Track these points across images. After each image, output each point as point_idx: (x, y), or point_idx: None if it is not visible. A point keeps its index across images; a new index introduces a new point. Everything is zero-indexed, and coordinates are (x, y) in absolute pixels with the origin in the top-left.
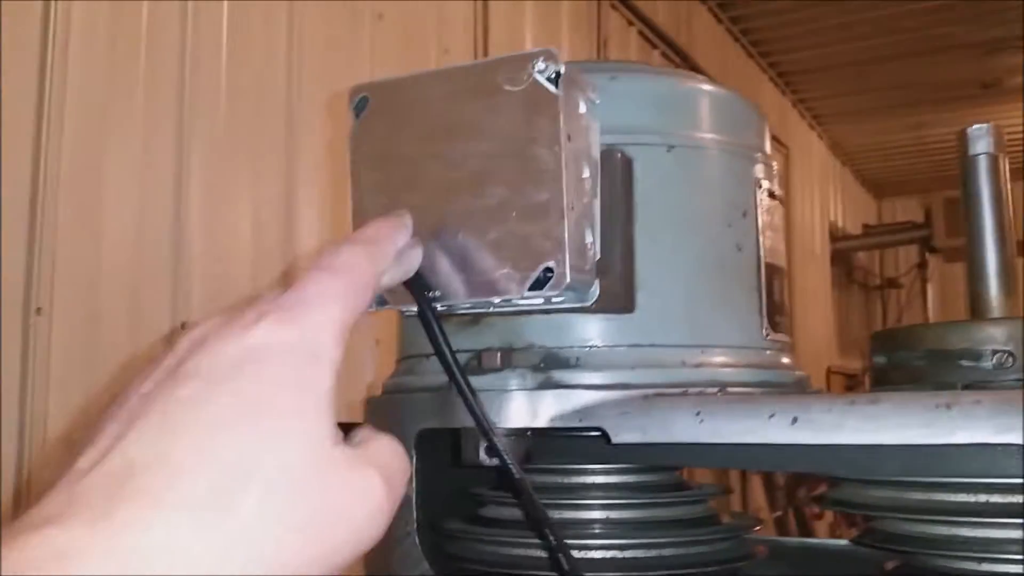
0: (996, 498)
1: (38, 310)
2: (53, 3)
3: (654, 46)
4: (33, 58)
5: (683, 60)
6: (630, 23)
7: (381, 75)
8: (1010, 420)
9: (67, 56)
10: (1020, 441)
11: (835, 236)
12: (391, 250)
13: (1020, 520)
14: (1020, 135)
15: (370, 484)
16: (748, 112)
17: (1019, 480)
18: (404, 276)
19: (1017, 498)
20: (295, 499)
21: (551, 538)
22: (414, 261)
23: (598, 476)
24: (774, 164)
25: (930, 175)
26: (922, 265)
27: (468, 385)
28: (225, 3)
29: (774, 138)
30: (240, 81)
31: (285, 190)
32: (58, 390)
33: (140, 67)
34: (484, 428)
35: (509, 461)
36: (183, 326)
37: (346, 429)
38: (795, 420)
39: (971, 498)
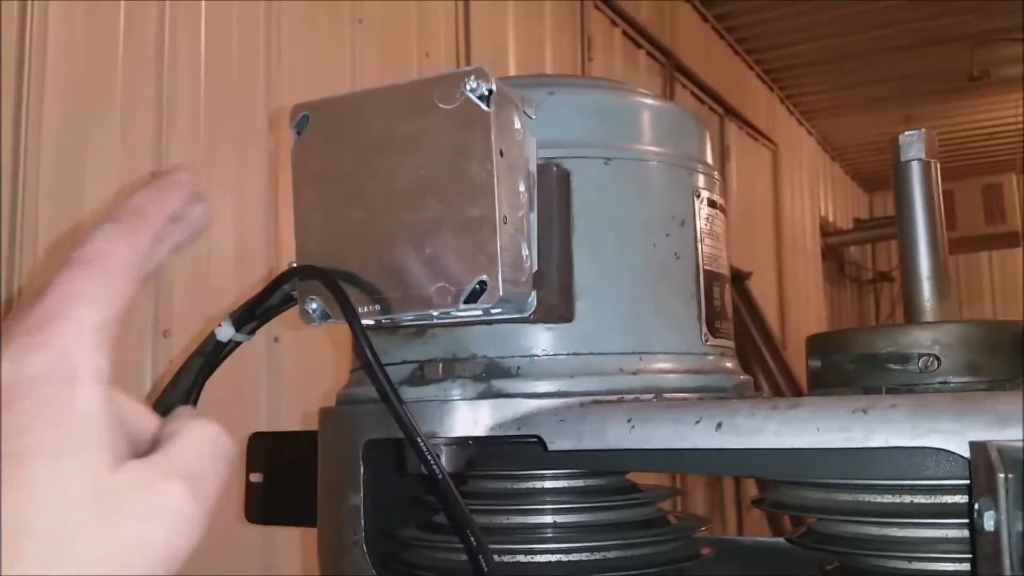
0: (921, 499)
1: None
2: (30, 3)
3: (638, 45)
4: (11, 59)
5: (668, 59)
6: (614, 23)
7: (362, 79)
8: (925, 424)
9: (45, 59)
10: (936, 444)
11: (826, 231)
12: (159, 219)
13: (948, 520)
14: (1011, 127)
15: (164, 500)
16: (687, 123)
17: (942, 482)
18: (193, 238)
19: (943, 499)
20: (76, 548)
21: (472, 540)
22: (201, 219)
23: (546, 481)
24: (715, 174)
25: None
26: None
27: (395, 393)
28: (203, 3)
29: (762, 134)
30: (219, 84)
31: (267, 191)
32: None
33: (118, 71)
34: (408, 432)
35: (432, 463)
36: (165, 334)
37: (283, 437)
38: (719, 425)
39: (897, 499)
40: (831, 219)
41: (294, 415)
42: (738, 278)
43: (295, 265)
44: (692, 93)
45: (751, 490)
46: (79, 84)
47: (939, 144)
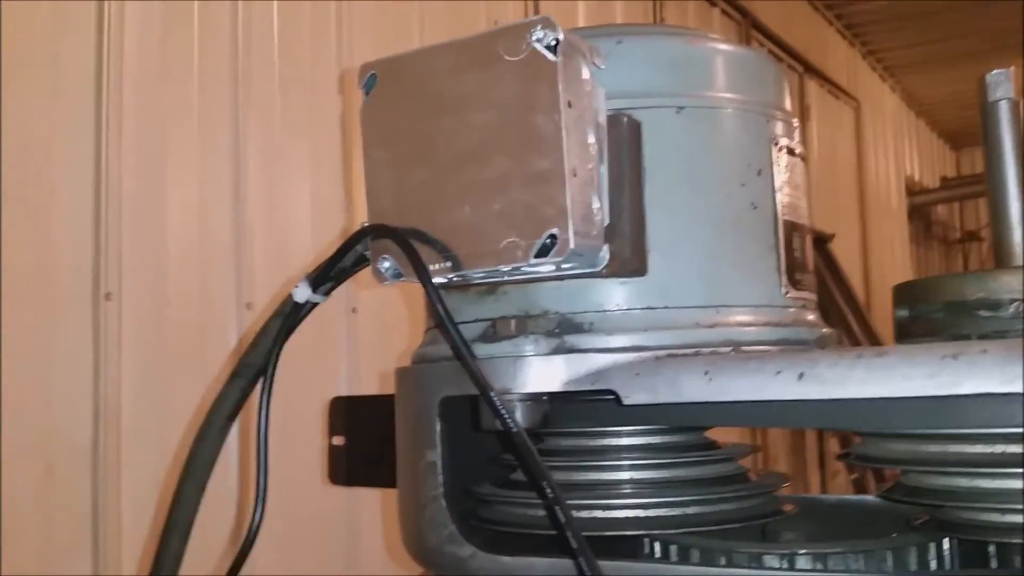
0: (1014, 448)
1: (107, 295)
2: (107, 3)
3: (712, 3)
4: (90, 52)
5: (743, 16)
6: None
7: None
8: (1018, 369)
9: (122, 48)
10: None
11: (912, 190)
12: None
13: None
14: None
15: None
16: (764, 69)
17: None
18: None
19: None
20: None
21: (548, 490)
22: None
23: (623, 438)
24: (794, 121)
25: None
26: None
27: (468, 349)
28: None
29: (844, 92)
30: (292, 61)
31: (341, 168)
32: (131, 372)
33: (194, 54)
34: (482, 388)
35: (505, 417)
36: (248, 306)
37: (363, 401)
38: (802, 375)
39: (988, 449)
40: (917, 178)
41: (372, 381)
42: (820, 241)
43: (366, 225)
44: (769, 51)
45: (833, 452)
46: (155, 74)
47: None
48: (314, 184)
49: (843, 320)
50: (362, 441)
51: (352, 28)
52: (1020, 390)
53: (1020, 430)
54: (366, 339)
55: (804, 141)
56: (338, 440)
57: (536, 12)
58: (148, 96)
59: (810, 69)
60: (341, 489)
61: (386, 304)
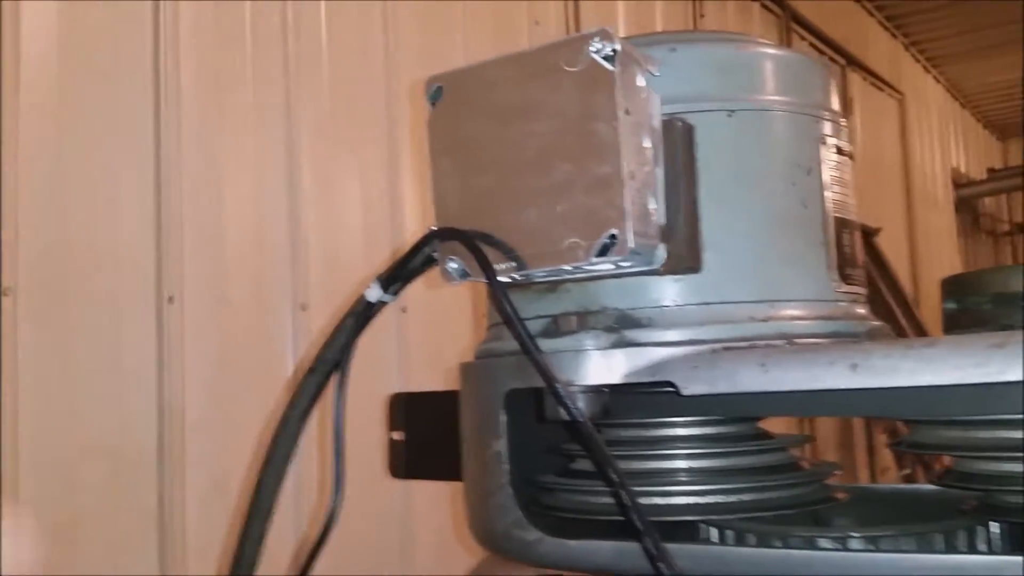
0: None
1: (170, 299)
2: (162, 3)
3: None
4: (147, 62)
5: (783, 11)
6: None
7: (473, 49)
8: None
9: (178, 58)
10: None
11: (958, 182)
12: None
13: None
14: None
15: None
16: (811, 71)
17: None
18: None
19: None
20: None
21: (613, 476)
22: None
23: (679, 428)
24: (841, 120)
25: None
26: None
27: (533, 343)
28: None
29: (887, 84)
30: (341, 69)
31: (389, 173)
32: (193, 373)
33: (247, 66)
34: (547, 379)
35: (571, 406)
36: (303, 308)
37: (421, 397)
38: (855, 366)
39: None
40: (963, 170)
41: (421, 378)
42: (866, 235)
43: (435, 228)
44: (811, 44)
45: (882, 449)
46: (210, 85)
47: None
48: (363, 189)
49: (890, 314)
50: (421, 435)
51: (398, 31)
52: None
53: None
54: (415, 338)
55: (848, 135)
56: (398, 435)
57: (576, 12)
58: (204, 103)
59: (852, 62)
60: (396, 483)
61: (434, 306)
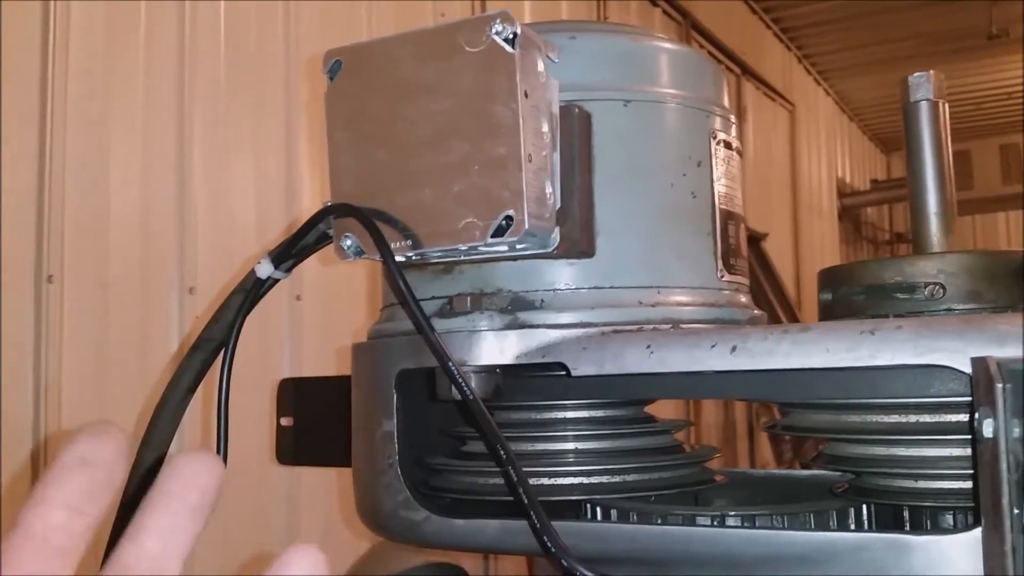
0: (926, 418)
1: (49, 278)
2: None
3: (654, 3)
4: (35, 26)
5: (684, 18)
6: None
7: (378, 33)
8: (929, 342)
9: (68, 24)
10: (939, 362)
11: (843, 192)
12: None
13: (952, 438)
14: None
15: None
16: (705, 68)
17: (946, 399)
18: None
19: (947, 417)
20: None
21: (501, 453)
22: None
23: (568, 411)
24: (731, 117)
25: None
26: None
27: (427, 321)
28: None
29: (779, 94)
30: (239, 50)
31: (286, 155)
32: (71, 355)
33: (140, 35)
34: (440, 357)
35: (463, 385)
36: (191, 291)
37: (311, 383)
38: (734, 348)
39: (903, 418)
40: (848, 180)
41: (314, 368)
42: (754, 239)
43: (330, 204)
44: (709, 52)
45: (762, 445)
46: (100, 54)
47: (957, 104)
48: (258, 172)
49: (773, 314)
50: (310, 421)
51: (300, 26)
52: (931, 361)
53: (932, 400)
54: (309, 326)
55: (738, 132)
56: (286, 420)
57: (483, 10)
58: (93, 82)
59: (747, 71)
60: (282, 469)
61: (328, 294)
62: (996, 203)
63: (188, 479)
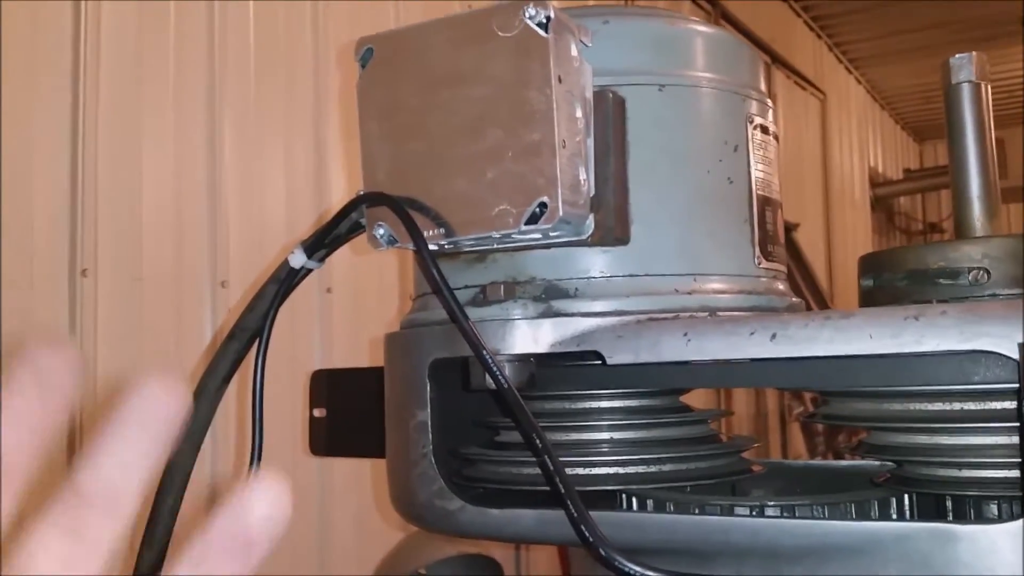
0: (971, 405)
1: (84, 272)
2: None
3: None
4: (67, 24)
5: (713, 6)
6: None
7: (406, 21)
8: (974, 328)
9: (99, 21)
10: (985, 347)
11: (875, 182)
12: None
13: (997, 425)
14: None
15: None
16: (740, 51)
17: (991, 386)
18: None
19: (992, 405)
20: None
21: (537, 443)
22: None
23: (603, 401)
24: (768, 102)
25: None
26: None
27: (461, 309)
28: None
29: (810, 83)
30: (268, 46)
31: (315, 148)
32: (106, 348)
33: (170, 31)
34: (474, 346)
35: (497, 373)
36: (223, 284)
37: (343, 374)
38: (774, 336)
39: (947, 406)
40: (880, 169)
41: (344, 360)
42: (786, 230)
43: (363, 193)
44: None
45: (795, 438)
46: (131, 52)
47: (991, 92)
48: (288, 166)
49: (806, 305)
50: (343, 412)
51: (328, 12)
52: (978, 347)
53: (977, 387)
54: (339, 319)
55: (774, 116)
56: (319, 412)
57: None
58: (124, 78)
59: (777, 60)
60: (313, 461)
61: (360, 286)
62: None
63: (153, 407)
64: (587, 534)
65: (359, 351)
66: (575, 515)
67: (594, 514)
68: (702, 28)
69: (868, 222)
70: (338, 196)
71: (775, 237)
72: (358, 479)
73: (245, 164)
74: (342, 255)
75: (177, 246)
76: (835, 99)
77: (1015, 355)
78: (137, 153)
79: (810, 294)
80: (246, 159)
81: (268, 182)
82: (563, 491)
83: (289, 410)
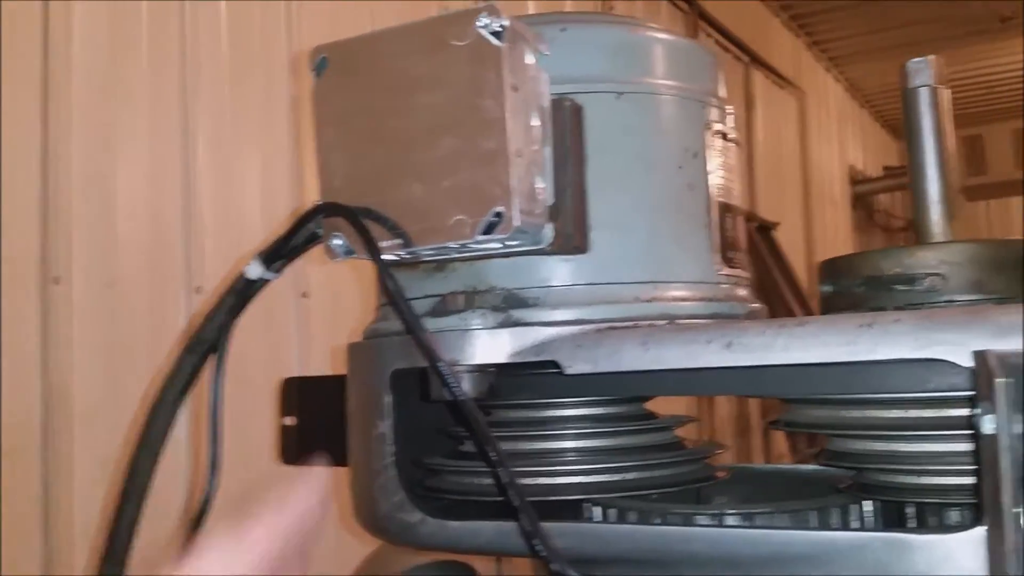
0: (928, 413)
1: (56, 279)
2: None
3: None
4: (36, 26)
5: (690, 7)
6: None
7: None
8: (928, 335)
9: (70, 23)
10: (939, 356)
11: (855, 179)
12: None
13: (953, 433)
14: None
15: None
16: (699, 57)
17: (946, 394)
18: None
19: (948, 412)
20: None
21: (492, 454)
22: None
23: (566, 409)
24: (728, 108)
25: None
26: None
27: (416, 320)
28: None
29: (789, 82)
30: (242, 48)
31: (291, 152)
32: (81, 356)
33: (143, 33)
34: (429, 356)
35: (452, 384)
36: (197, 291)
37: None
38: (730, 344)
39: (904, 413)
40: (860, 167)
41: (324, 366)
42: (765, 229)
43: (319, 203)
44: (716, 42)
45: (777, 439)
46: (104, 55)
47: (969, 88)
48: (264, 170)
49: (785, 306)
50: (313, 421)
51: (302, 16)
52: (930, 355)
53: (932, 394)
54: (317, 324)
55: (750, 131)
56: (289, 420)
57: None
58: (96, 81)
59: (756, 60)
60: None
61: (338, 290)
62: (1010, 188)
63: None
64: (538, 547)
65: (338, 357)
66: (528, 528)
67: (555, 525)
68: (660, 35)
69: (848, 220)
70: (314, 198)
71: (735, 243)
72: (339, 486)
73: (220, 168)
74: (319, 258)
75: (151, 252)
76: (814, 98)
77: (969, 363)
78: (110, 158)
79: (789, 292)
80: (221, 163)
81: (244, 186)
82: (517, 503)
83: (268, 418)
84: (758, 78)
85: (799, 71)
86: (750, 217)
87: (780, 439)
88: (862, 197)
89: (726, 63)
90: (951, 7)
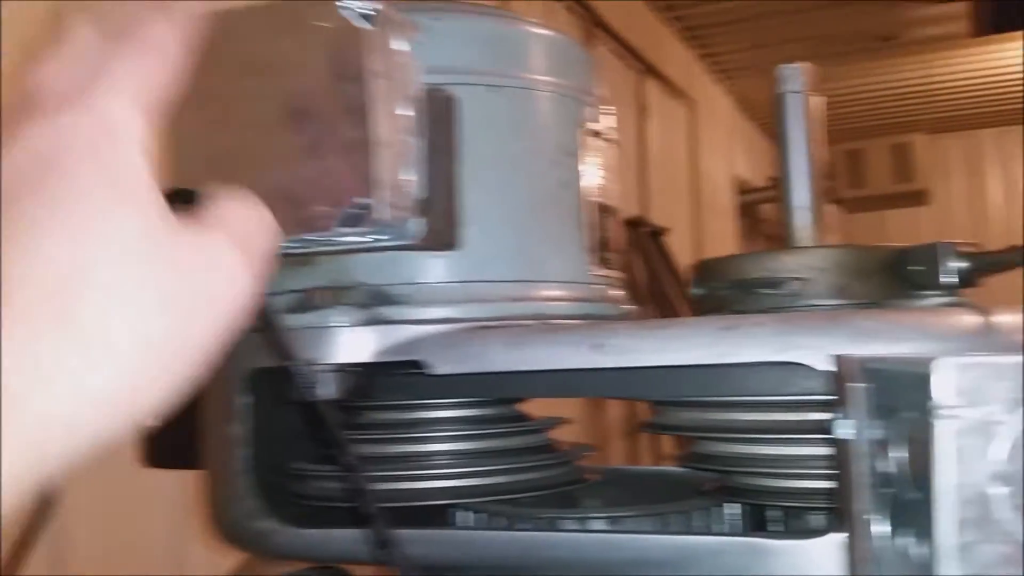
0: (788, 416)
1: None
2: None
3: None
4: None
5: (587, 12)
6: None
7: None
8: (789, 339)
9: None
10: (799, 359)
11: (741, 189)
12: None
13: (813, 436)
14: (920, 87)
15: (216, 257)
16: (576, 55)
17: (807, 397)
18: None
19: (808, 415)
20: (141, 285)
21: (345, 459)
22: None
23: (436, 411)
24: (608, 108)
25: (833, 128)
26: None
27: (272, 316)
28: None
29: (681, 93)
30: None
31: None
32: None
33: None
34: (283, 354)
35: (303, 383)
36: None
37: None
38: (600, 346)
39: (765, 416)
40: (747, 177)
41: None
42: (656, 234)
43: (173, 189)
44: (611, 50)
45: (666, 440)
46: None
47: (853, 104)
48: None
49: (673, 310)
50: (173, 423)
51: None
52: (790, 359)
53: (793, 398)
54: None
55: (644, 139)
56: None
57: None
58: None
59: (650, 69)
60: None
61: None
62: (887, 200)
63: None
64: (386, 557)
65: None
66: (380, 537)
67: (417, 533)
68: (538, 30)
69: (735, 228)
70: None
71: (611, 244)
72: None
73: None
74: None
75: None
76: (704, 108)
77: (827, 367)
78: None
79: (676, 298)
80: None
81: None
82: (368, 509)
83: None
84: (652, 87)
85: (691, 82)
86: (642, 222)
87: (668, 441)
88: (748, 206)
89: (620, 70)
90: (836, 26)
